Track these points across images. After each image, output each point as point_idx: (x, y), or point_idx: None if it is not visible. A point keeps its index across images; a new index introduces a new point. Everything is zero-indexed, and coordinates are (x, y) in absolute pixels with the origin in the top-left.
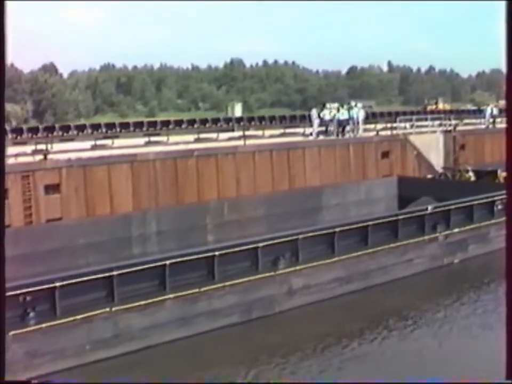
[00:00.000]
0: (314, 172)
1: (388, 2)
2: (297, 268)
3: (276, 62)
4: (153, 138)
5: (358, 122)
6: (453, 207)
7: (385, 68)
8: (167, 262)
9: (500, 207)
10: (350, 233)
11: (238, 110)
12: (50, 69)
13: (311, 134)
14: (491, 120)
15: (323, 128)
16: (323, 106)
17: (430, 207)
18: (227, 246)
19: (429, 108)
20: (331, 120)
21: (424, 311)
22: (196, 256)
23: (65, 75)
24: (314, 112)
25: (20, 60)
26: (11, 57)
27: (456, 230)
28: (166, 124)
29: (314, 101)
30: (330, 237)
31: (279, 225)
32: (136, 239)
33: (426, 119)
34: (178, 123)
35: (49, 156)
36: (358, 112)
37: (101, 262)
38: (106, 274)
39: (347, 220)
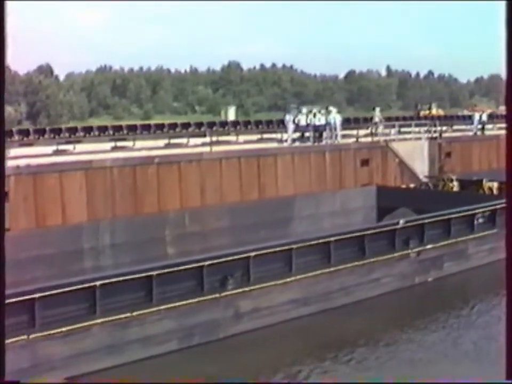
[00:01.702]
0: (286, 180)
1: (387, 6)
2: (246, 288)
3: (273, 65)
4: (120, 143)
5: (335, 128)
6: (427, 220)
7: (383, 73)
8: (97, 283)
9: (480, 220)
10: (310, 250)
11: (231, 114)
12: (45, 70)
13: (286, 140)
14: (479, 126)
15: (299, 134)
16: (298, 111)
17: (401, 221)
18: (168, 264)
19: (422, 113)
20: (307, 126)
21: (387, 336)
22: (131, 276)
23: (62, 77)
24: (288, 117)
25: (16, 61)
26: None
27: (429, 246)
28: (147, 128)
29: (312, 105)
30: (287, 254)
31: (246, 236)
32: (87, 252)
33: (411, 125)
34: (160, 127)
35: None
36: (335, 117)
37: (49, 277)
38: (27, 297)
39: (320, 231)
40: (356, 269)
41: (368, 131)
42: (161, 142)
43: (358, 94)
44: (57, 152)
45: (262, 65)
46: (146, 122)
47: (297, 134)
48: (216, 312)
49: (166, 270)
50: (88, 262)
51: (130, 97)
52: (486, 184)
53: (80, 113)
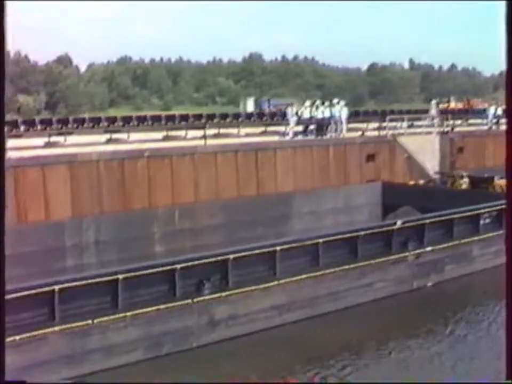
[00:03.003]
0: (286, 175)
1: None
2: (223, 294)
3: (295, 57)
4: (115, 135)
5: (341, 122)
6: (428, 221)
7: (406, 66)
8: (56, 287)
9: (487, 220)
10: (297, 252)
11: (250, 105)
12: (65, 60)
13: (287, 133)
14: (494, 120)
15: (302, 128)
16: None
17: (399, 222)
18: (136, 267)
19: (440, 106)
20: (310, 119)
21: (376, 347)
22: (94, 280)
23: (83, 68)
24: (290, 110)
25: (36, 52)
26: (26, 50)
27: (429, 248)
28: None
29: (334, 97)
30: (270, 257)
31: (241, 234)
32: (70, 249)
33: (420, 119)
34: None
35: None
36: (341, 110)
37: (27, 275)
38: None
39: (320, 229)
40: (346, 272)
41: (385, 124)
42: (160, 135)
43: (381, 86)
44: (48, 145)
45: (283, 57)
46: (156, 113)
47: (301, 128)
48: (189, 320)
49: (133, 274)
50: (71, 260)
51: (151, 87)
52: (498, 181)
53: (100, 104)
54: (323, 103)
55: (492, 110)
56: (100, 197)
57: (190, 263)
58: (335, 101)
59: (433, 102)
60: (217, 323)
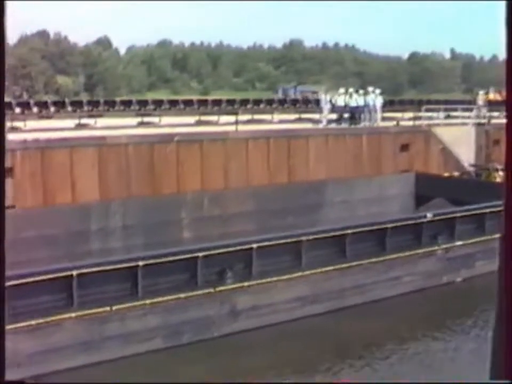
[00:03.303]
0: (318, 164)
1: None
2: (245, 283)
3: (336, 44)
4: (146, 119)
5: (375, 111)
6: (459, 214)
7: (447, 55)
8: (74, 272)
9: None
10: (323, 243)
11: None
12: (104, 42)
13: (320, 121)
14: None
15: (336, 116)
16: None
17: (429, 214)
18: (157, 254)
19: (480, 97)
20: (345, 107)
21: (401, 342)
22: (113, 266)
23: (123, 50)
24: (323, 98)
25: (75, 33)
26: (67, 31)
27: (460, 242)
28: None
29: (374, 86)
30: (296, 247)
31: (271, 222)
32: (96, 233)
33: (457, 110)
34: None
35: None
36: (375, 99)
37: (52, 258)
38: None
39: (352, 219)
40: (373, 265)
41: (420, 114)
42: (192, 119)
43: (421, 76)
44: (78, 127)
45: (324, 44)
46: (188, 97)
47: (335, 115)
48: (210, 309)
49: (154, 261)
50: (96, 244)
51: (191, 71)
52: None
53: (139, 87)
54: (357, 91)
55: None
56: (128, 181)
57: (212, 252)
58: (370, 89)
59: (481, 92)
60: (239, 313)
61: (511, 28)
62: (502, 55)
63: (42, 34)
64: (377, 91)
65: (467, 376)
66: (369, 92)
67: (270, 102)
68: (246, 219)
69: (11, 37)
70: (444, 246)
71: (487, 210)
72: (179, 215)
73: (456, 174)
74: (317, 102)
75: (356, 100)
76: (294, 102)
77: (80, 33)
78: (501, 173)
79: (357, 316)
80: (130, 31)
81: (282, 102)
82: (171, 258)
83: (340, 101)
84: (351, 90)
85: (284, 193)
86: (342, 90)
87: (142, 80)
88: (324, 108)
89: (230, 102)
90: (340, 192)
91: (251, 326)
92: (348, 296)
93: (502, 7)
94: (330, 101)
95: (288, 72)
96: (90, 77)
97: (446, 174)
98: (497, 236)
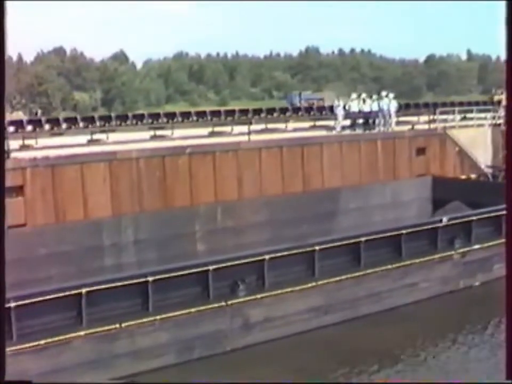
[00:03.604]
0: (333, 171)
1: None
2: (258, 296)
3: (352, 50)
4: (159, 132)
5: (390, 115)
6: (475, 217)
7: (464, 57)
8: (83, 290)
9: None
10: (337, 252)
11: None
12: (120, 57)
13: (334, 127)
14: None
15: (350, 122)
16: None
17: (444, 219)
18: (166, 269)
19: (496, 98)
20: (359, 112)
21: (419, 352)
22: (123, 283)
23: (139, 64)
24: (337, 103)
25: (92, 49)
26: (82, 47)
27: (477, 246)
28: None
29: (391, 90)
30: (309, 257)
31: (286, 232)
32: (108, 248)
33: (472, 111)
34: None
35: (15, 154)
36: (389, 103)
37: (65, 275)
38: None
39: (368, 226)
40: (389, 272)
41: (435, 117)
42: (206, 131)
43: (438, 78)
44: (90, 142)
45: (340, 50)
46: (200, 109)
47: (349, 122)
48: (223, 322)
49: (164, 275)
50: (109, 260)
51: (208, 83)
52: None
53: (156, 100)
54: (371, 96)
55: None
56: (140, 195)
57: (223, 264)
58: (383, 93)
59: (391, 95)
60: (251, 326)
61: (511, 27)
62: None
63: (59, 51)
64: (391, 95)
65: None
66: (382, 97)
67: (283, 110)
68: (259, 229)
69: (28, 55)
70: (461, 250)
71: (504, 212)
72: (192, 227)
73: (473, 176)
74: (322, 109)
75: (370, 105)
76: (297, 110)
77: (97, 49)
78: None
79: (372, 324)
80: (147, 45)
81: (284, 110)
82: (181, 273)
83: (354, 106)
84: (364, 95)
85: (298, 202)
86: (354, 95)
87: (159, 93)
88: (338, 114)
89: (243, 111)
90: (355, 199)
91: (264, 339)
92: (362, 305)
93: (502, 7)
94: (344, 107)
95: (305, 80)
96: (108, 92)
97: (463, 177)
98: None
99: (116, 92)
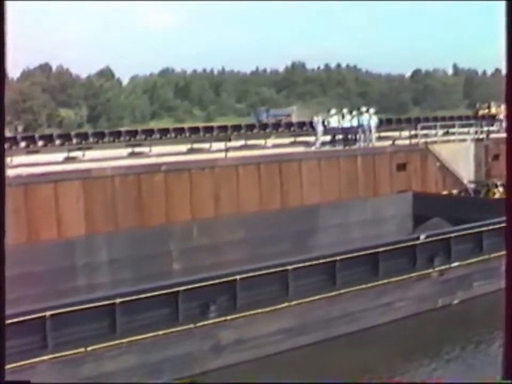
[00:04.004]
0: (312, 187)
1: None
2: (228, 317)
3: (338, 65)
4: (137, 149)
5: (370, 131)
6: (454, 234)
7: (450, 71)
8: (48, 313)
9: None
10: (311, 271)
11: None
12: (107, 73)
13: (314, 143)
14: None
15: (330, 138)
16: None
17: (422, 236)
18: (134, 291)
19: (480, 112)
20: (339, 128)
21: (394, 373)
22: (89, 305)
23: (126, 80)
24: (316, 119)
25: (78, 65)
26: (69, 63)
27: (456, 263)
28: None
29: (377, 105)
30: (282, 276)
31: (263, 250)
32: (81, 268)
33: (454, 126)
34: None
35: None
36: (370, 118)
37: (37, 296)
38: None
39: (347, 243)
40: (365, 291)
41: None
42: (185, 147)
43: (424, 93)
44: (67, 160)
45: (327, 65)
46: (178, 126)
47: (328, 137)
48: (192, 345)
49: (132, 297)
50: (82, 280)
51: (193, 99)
52: None
53: (142, 116)
54: (351, 112)
55: None
56: (115, 213)
57: (194, 285)
58: (363, 109)
59: (371, 110)
60: (222, 348)
61: (511, 28)
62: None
63: (45, 67)
64: (372, 110)
65: None
66: (362, 112)
67: (250, 127)
68: (237, 247)
69: (14, 72)
70: (439, 268)
71: (484, 228)
72: (168, 246)
73: (455, 191)
74: (290, 125)
75: (350, 121)
76: (265, 126)
77: (83, 65)
78: (500, 189)
79: (346, 345)
80: (134, 61)
81: (251, 127)
82: (150, 294)
83: (333, 122)
84: (344, 110)
85: (276, 220)
86: (333, 111)
87: (144, 109)
88: (317, 130)
89: (223, 128)
90: (334, 215)
91: (235, 361)
92: (337, 325)
93: (502, 7)
94: (323, 122)
95: (290, 96)
96: (94, 109)
97: (445, 192)
98: (495, 254)
99: (102, 109)
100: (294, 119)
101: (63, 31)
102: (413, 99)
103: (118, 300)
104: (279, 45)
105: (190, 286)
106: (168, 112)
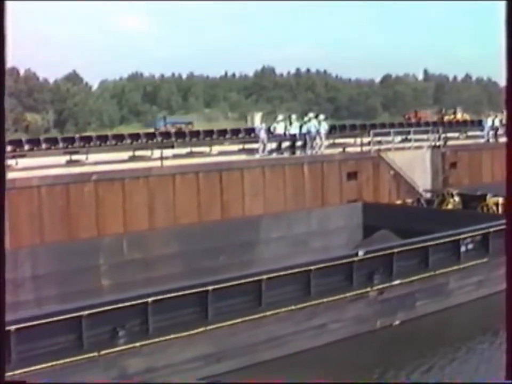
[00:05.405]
0: (255, 198)
1: (424, 6)
2: (138, 344)
3: (308, 70)
4: (75, 157)
5: (320, 137)
6: (397, 250)
7: (420, 76)
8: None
9: (469, 247)
10: (235, 292)
11: (257, 120)
12: (74, 78)
13: (257, 151)
14: (491, 133)
15: (275, 145)
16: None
17: (360, 252)
18: (32, 317)
19: (446, 118)
20: (285, 135)
21: None
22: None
23: (95, 85)
24: (259, 126)
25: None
26: (37, 67)
27: (397, 281)
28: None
29: (346, 111)
30: (201, 298)
31: (201, 264)
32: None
33: (409, 132)
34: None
35: None
36: (319, 125)
37: None
38: None
39: (290, 257)
40: (293, 313)
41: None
42: (126, 155)
43: (394, 99)
44: None
45: (297, 70)
46: (118, 133)
47: (274, 144)
48: (94, 375)
49: (28, 324)
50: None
51: (161, 104)
52: (491, 199)
53: (110, 121)
54: (301, 118)
55: (488, 122)
56: (40, 226)
57: (101, 309)
58: (311, 115)
59: (321, 117)
60: (128, 378)
61: (511, 27)
62: (476, 73)
63: (12, 71)
64: (322, 117)
65: None
66: (311, 118)
67: (150, 136)
68: (172, 261)
69: None
70: (378, 286)
71: (431, 242)
72: (96, 261)
73: (409, 201)
74: (195, 134)
75: (298, 127)
76: (165, 135)
77: (51, 69)
78: (456, 199)
79: (271, 371)
80: (104, 65)
81: (151, 136)
82: (51, 319)
83: (279, 128)
84: (293, 117)
85: (215, 231)
86: (280, 117)
87: (112, 114)
88: (261, 137)
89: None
90: (278, 227)
91: None
92: (262, 350)
93: (502, 7)
94: (269, 129)
95: (259, 101)
96: (61, 113)
97: (399, 202)
98: (442, 270)
99: (69, 113)
100: (196, 127)
101: (31, 34)
102: (382, 104)
103: (13, 327)
104: (249, 49)
105: (96, 310)
106: (136, 117)
